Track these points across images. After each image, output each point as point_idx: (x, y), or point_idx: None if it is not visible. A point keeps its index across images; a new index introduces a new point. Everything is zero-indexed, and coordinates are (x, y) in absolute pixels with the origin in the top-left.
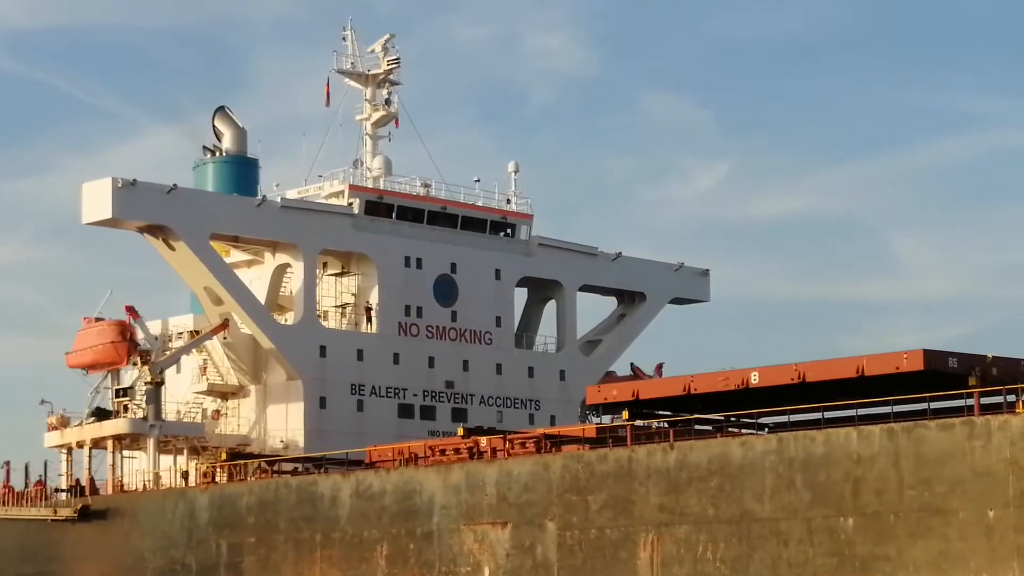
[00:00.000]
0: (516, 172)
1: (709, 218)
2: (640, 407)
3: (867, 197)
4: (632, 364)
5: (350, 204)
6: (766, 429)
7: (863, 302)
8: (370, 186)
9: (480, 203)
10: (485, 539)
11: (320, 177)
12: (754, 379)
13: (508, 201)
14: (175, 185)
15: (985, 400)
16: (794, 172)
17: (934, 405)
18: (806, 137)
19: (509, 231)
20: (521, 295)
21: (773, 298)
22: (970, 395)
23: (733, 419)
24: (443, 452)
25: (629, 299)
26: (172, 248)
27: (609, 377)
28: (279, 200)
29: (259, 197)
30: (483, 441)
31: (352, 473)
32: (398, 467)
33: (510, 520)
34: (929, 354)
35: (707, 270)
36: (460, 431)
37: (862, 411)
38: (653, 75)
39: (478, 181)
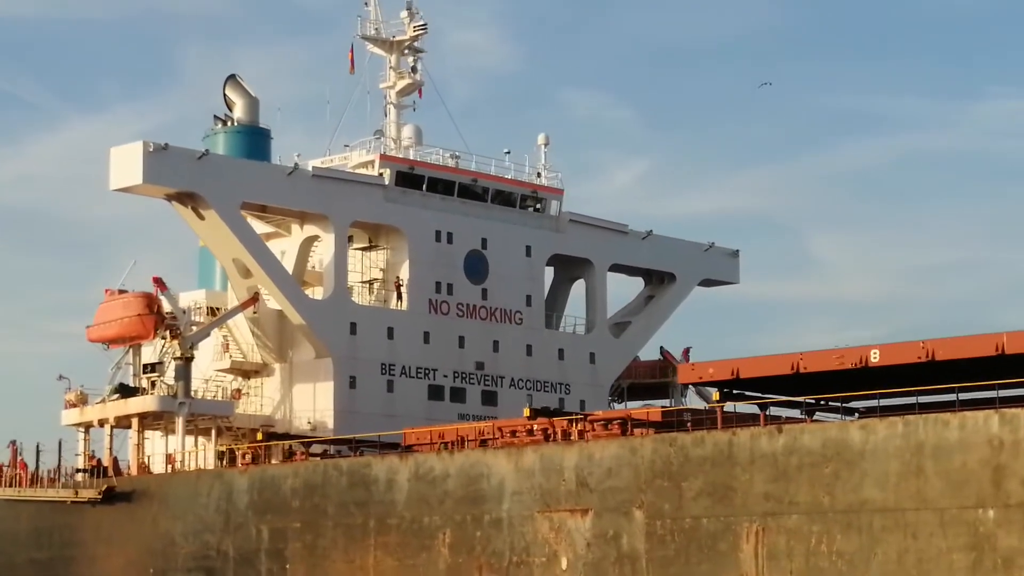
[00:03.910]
0: (546, 145)
1: (628, 216)
2: (739, 387)
3: (786, 197)
4: (662, 348)
5: (380, 174)
6: (856, 415)
7: (781, 302)
8: (400, 156)
9: (510, 176)
10: (563, 527)
11: (346, 147)
12: (874, 357)
13: (538, 175)
14: (207, 151)
15: None
16: (713, 171)
17: None
18: (725, 137)
19: (539, 206)
20: (548, 273)
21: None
22: None
23: (823, 403)
24: (513, 434)
25: (658, 280)
26: (201, 217)
27: (635, 363)
28: (311, 169)
29: (292, 165)
30: (561, 423)
31: (410, 455)
32: (464, 448)
33: (591, 507)
34: None
35: (737, 251)
36: (526, 412)
37: (1003, 392)
38: (573, 73)
39: (508, 153)
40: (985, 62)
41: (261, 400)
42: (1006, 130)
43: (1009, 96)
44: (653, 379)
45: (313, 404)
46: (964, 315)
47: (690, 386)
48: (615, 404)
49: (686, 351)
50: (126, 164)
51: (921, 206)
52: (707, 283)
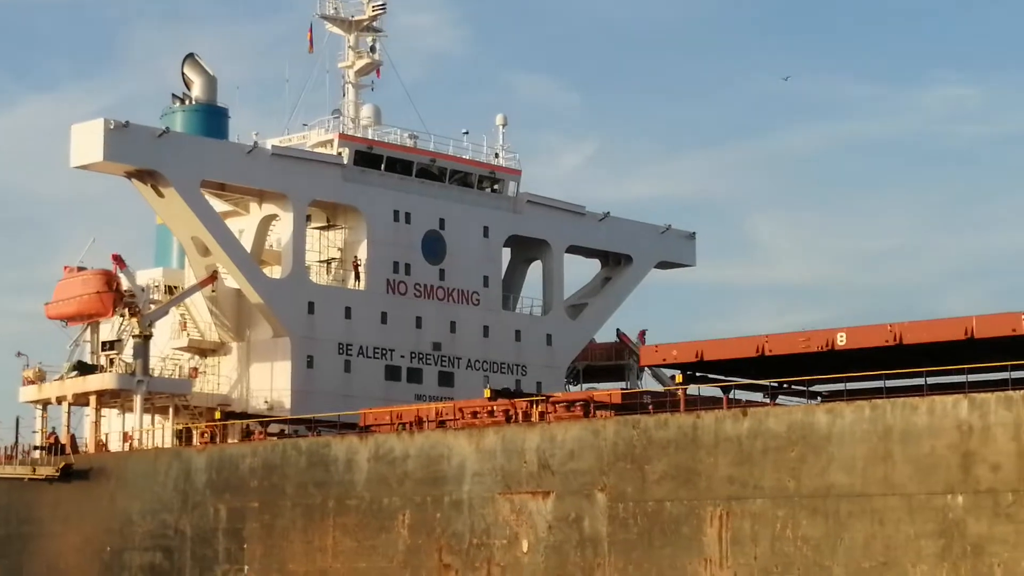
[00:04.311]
0: (504, 125)
1: (573, 198)
2: (702, 369)
3: (729, 182)
4: (618, 330)
5: (339, 154)
6: (819, 398)
7: (724, 285)
8: (359, 136)
9: (468, 157)
10: (524, 510)
11: (304, 127)
12: (841, 340)
13: (496, 155)
14: (167, 129)
15: None
16: (658, 155)
17: None
18: (670, 121)
19: (497, 187)
20: (505, 254)
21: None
22: None
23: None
24: (475, 415)
25: (615, 262)
26: (161, 195)
27: (591, 345)
28: (270, 148)
29: (251, 144)
30: (522, 404)
31: (370, 436)
32: (423, 430)
33: (553, 489)
34: None
35: (693, 233)
36: (487, 393)
37: (973, 377)
38: (521, 57)
39: (466, 134)
40: (928, 48)
41: (218, 379)
42: (949, 116)
43: (952, 82)
44: (609, 361)
45: (270, 383)
46: (905, 300)
47: (647, 368)
48: (571, 386)
49: (642, 333)
50: (87, 141)
51: (863, 192)
52: (663, 265)
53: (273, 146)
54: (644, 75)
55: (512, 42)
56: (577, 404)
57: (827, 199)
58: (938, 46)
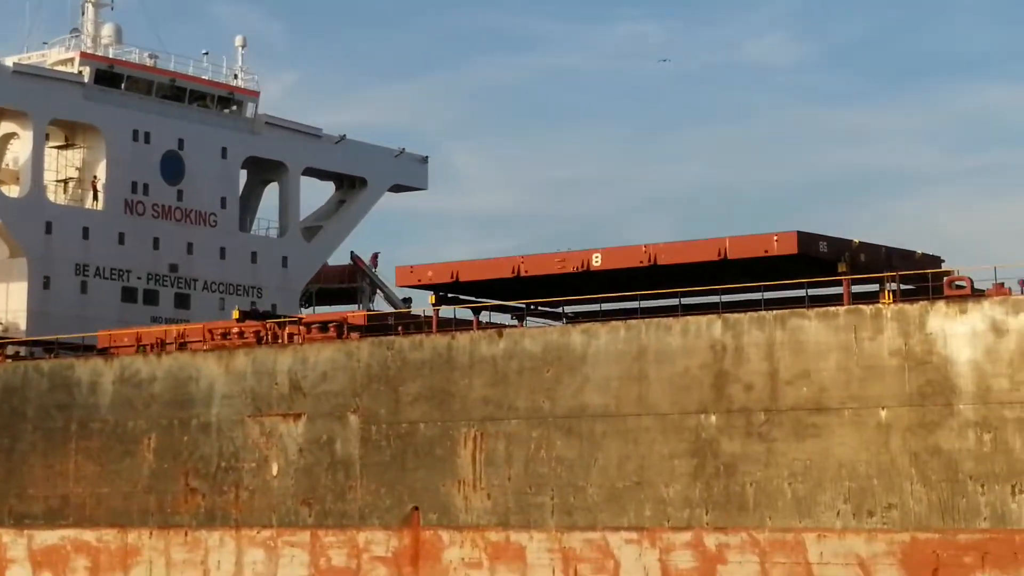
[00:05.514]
0: (244, 47)
1: None
2: (458, 291)
3: (427, 112)
4: (352, 253)
5: (80, 72)
6: (564, 320)
7: (424, 213)
8: (101, 55)
9: (207, 78)
10: (274, 432)
11: (44, 44)
12: (596, 261)
13: (235, 76)
14: None
15: (856, 288)
16: (359, 85)
17: (799, 293)
18: (370, 51)
19: (236, 108)
20: (242, 176)
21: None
22: (855, 282)
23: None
24: (225, 336)
25: (349, 184)
26: None
27: (325, 268)
28: (11, 65)
29: None
30: (272, 325)
31: (115, 358)
32: (164, 352)
33: (305, 411)
34: (803, 236)
35: (426, 157)
36: (236, 314)
37: (726, 297)
38: None
39: (206, 54)
40: None
41: None
42: (635, 51)
43: (636, 19)
44: (343, 284)
45: (5, 304)
46: (595, 228)
47: (378, 291)
48: (304, 309)
49: (374, 256)
50: None
51: (555, 124)
52: (397, 188)
53: (15, 63)
54: (344, 4)
55: None
56: (331, 325)
57: (521, 130)
58: None
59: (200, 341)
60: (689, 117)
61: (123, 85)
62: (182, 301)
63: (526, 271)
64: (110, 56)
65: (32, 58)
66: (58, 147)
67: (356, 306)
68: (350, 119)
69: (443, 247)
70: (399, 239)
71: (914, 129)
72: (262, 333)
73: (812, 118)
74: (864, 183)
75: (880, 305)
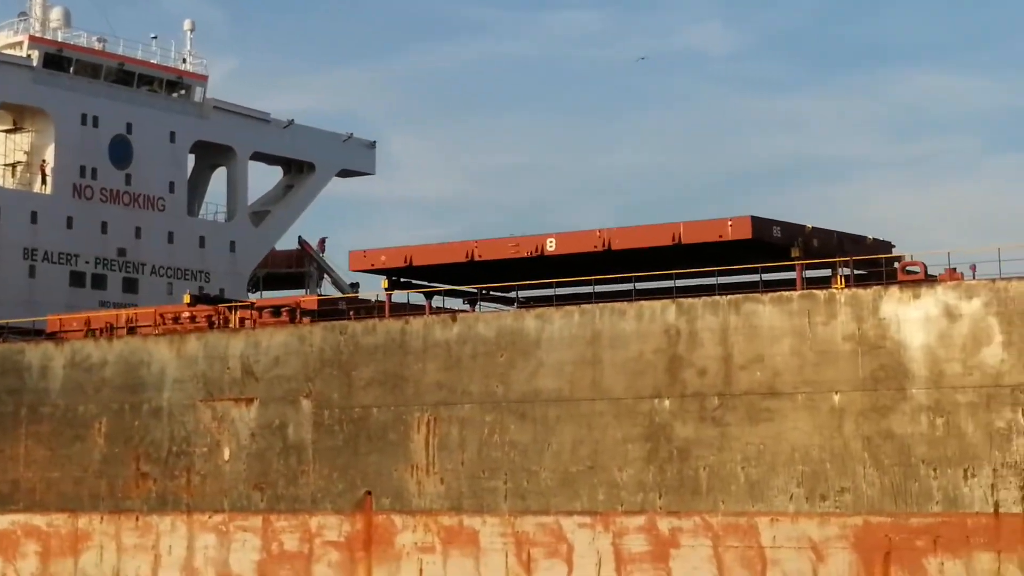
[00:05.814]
0: (192, 31)
1: None
2: (410, 275)
3: (366, 98)
4: (300, 238)
5: (28, 56)
6: (515, 304)
7: (363, 199)
8: (49, 38)
9: (156, 61)
10: (226, 417)
11: None
12: (550, 246)
13: (184, 60)
14: None
15: (809, 274)
16: (299, 71)
17: (753, 278)
18: (309, 37)
19: (184, 92)
20: (191, 160)
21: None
22: (807, 267)
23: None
24: (176, 320)
25: (297, 169)
26: None
27: (273, 252)
28: None
29: None
30: (224, 310)
31: (66, 342)
32: (115, 336)
33: (257, 396)
34: (757, 221)
35: (374, 142)
36: (187, 298)
37: (680, 282)
38: None
39: (155, 38)
40: None
41: None
42: (574, 39)
43: (575, 6)
44: (290, 268)
45: None
46: (536, 215)
47: (325, 276)
48: (251, 293)
49: (322, 241)
50: None
51: (497, 110)
52: (345, 173)
53: None
54: None
55: None
56: (284, 310)
57: (462, 117)
58: None
59: (151, 325)
60: (627, 104)
61: (71, 69)
62: (130, 285)
63: (480, 256)
64: (59, 40)
65: None
66: (6, 131)
67: (304, 291)
68: (293, 105)
69: (392, 233)
70: (346, 224)
71: (849, 116)
72: (214, 318)
73: (748, 105)
74: (799, 169)
75: (834, 290)
